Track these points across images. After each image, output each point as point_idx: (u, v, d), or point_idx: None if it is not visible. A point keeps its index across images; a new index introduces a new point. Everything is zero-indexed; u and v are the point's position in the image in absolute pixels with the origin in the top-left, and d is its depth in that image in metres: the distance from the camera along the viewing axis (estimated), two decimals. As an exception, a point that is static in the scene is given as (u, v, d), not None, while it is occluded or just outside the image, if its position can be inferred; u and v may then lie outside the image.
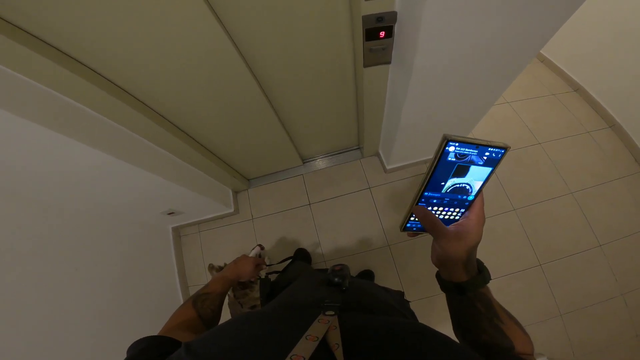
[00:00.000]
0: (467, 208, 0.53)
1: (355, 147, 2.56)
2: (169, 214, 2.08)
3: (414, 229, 0.56)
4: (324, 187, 2.47)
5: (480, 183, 0.50)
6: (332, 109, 1.88)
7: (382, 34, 1.19)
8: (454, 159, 0.46)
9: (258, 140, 1.93)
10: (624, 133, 2.58)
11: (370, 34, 1.19)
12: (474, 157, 0.47)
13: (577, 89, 2.91)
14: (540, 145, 2.59)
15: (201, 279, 2.30)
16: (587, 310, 2.09)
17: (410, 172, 2.45)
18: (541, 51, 2.94)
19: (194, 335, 0.58)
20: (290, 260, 1.42)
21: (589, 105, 2.83)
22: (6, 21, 0.86)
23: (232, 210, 2.38)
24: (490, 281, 0.52)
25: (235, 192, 2.51)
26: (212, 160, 1.92)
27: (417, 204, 0.52)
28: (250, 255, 1.58)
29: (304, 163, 2.55)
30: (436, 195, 0.51)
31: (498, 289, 2.11)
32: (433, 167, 0.47)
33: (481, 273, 0.52)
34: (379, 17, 1.12)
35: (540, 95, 2.91)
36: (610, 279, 2.15)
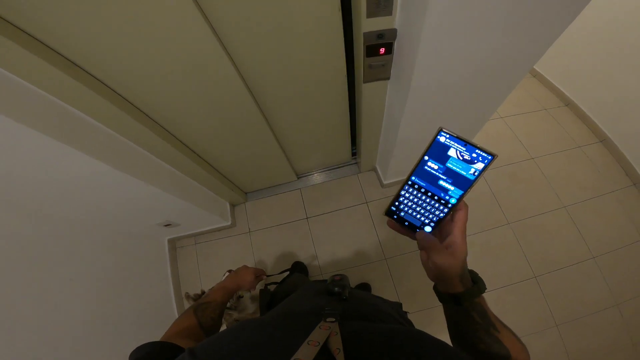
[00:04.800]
0: (448, 213, 0.54)
1: (352, 162, 2.58)
2: (166, 225, 2.07)
3: (395, 217, 0.58)
4: (322, 201, 2.48)
5: (465, 186, 0.52)
6: (326, 125, 1.91)
7: (382, 50, 1.23)
8: (445, 153, 0.51)
9: (253, 154, 1.95)
10: (614, 147, 2.63)
11: (371, 50, 1.22)
12: (462, 156, 0.50)
13: (568, 103, 2.98)
14: (533, 160, 2.63)
15: (196, 290, 2.26)
16: (583, 320, 2.10)
17: (406, 186, 2.45)
18: (534, 66, 3.01)
19: (195, 343, 0.58)
20: (287, 273, 1.42)
21: (580, 120, 2.89)
22: (15, 27, 0.86)
23: (229, 223, 2.38)
24: (485, 291, 0.54)
25: (233, 205, 2.50)
26: (210, 173, 1.92)
27: (405, 185, 0.56)
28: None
29: (298, 178, 2.56)
30: (422, 183, 0.55)
31: (494, 301, 2.12)
32: (424, 152, 0.52)
33: (476, 284, 0.54)
34: (380, 34, 1.15)
35: (532, 110, 2.97)
36: (604, 290, 2.18)
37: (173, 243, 2.40)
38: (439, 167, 0.52)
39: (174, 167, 1.67)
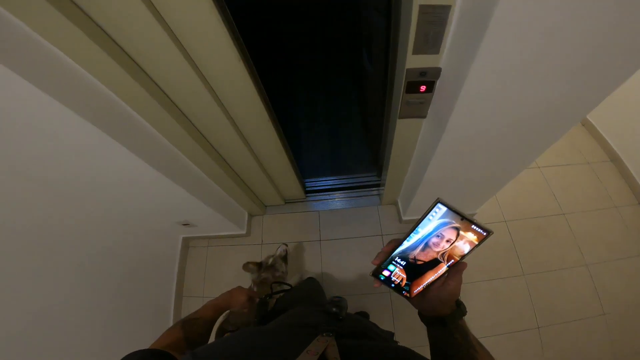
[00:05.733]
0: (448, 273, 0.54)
1: (375, 193, 2.57)
2: (184, 224, 2.12)
3: (382, 278, 0.59)
4: (338, 226, 2.48)
5: (456, 258, 0.52)
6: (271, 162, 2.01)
7: (423, 88, 1.19)
8: (440, 224, 0.49)
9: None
10: (654, 212, 2.46)
11: (411, 87, 1.19)
12: (455, 228, 0.49)
13: (614, 159, 2.79)
14: (564, 215, 2.50)
15: (197, 291, 2.33)
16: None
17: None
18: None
19: (181, 356, 0.58)
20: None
21: (622, 178, 2.72)
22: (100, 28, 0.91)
23: (244, 232, 2.41)
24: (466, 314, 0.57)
25: (251, 216, 2.54)
26: (235, 181, 1.96)
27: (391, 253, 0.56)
28: (277, 252, 1.81)
29: (285, 203, 2.60)
30: (409, 251, 0.54)
31: (491, 346, 2.01)
32: (418, 222, 0.51)
33: (459, 307, 0.57)
34: (423, 72, 1.12)
35: (574, 163, 2.81)
36: (606, 346, 2.07)
37: (186, 242, 2.45)
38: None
39: (204, 172, 1.71)
